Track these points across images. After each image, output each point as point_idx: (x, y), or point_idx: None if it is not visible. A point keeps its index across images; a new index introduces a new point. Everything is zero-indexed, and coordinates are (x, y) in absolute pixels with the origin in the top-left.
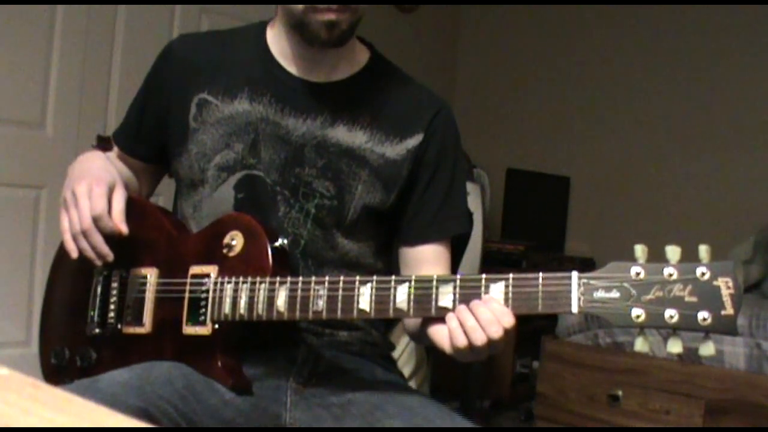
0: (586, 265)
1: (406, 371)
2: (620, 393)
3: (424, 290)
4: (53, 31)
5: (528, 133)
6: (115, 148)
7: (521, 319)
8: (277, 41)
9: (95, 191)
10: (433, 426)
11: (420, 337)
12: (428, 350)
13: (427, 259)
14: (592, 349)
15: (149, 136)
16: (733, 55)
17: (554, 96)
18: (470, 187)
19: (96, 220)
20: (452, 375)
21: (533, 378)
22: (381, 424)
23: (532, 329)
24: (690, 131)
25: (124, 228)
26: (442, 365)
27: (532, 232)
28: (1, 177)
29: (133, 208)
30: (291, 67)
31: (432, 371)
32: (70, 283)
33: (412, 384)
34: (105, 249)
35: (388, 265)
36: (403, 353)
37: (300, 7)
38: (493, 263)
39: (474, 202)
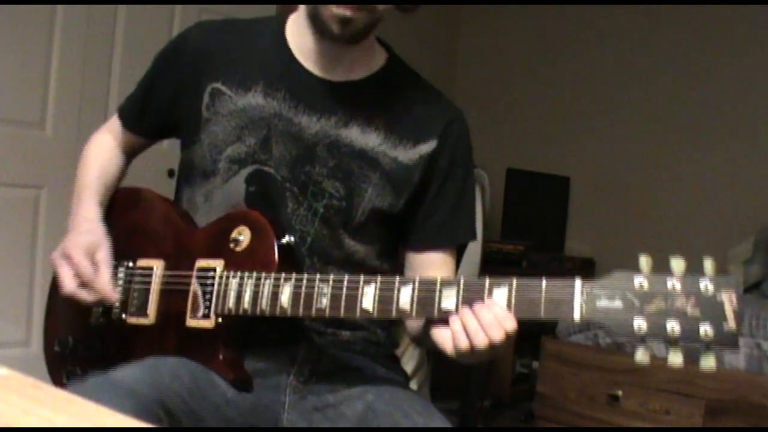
0: (586, 265)
1: (407, 371)
2: (620, 393)
3: (427, 292)
4: (53, 31)
5: (528, 133)
6: (112, 124)
7: (522, 320)
8: (295, 36)
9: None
10: (412, 420)
11: (422, 339)
12: (429, 350)
13: (432, 265)
14: (592, 349)
15: (154, 116)
16: (733, 54)
17: (554, 96)
18: None
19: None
20: (452, 375)
21: (533, 378)
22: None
23: (532, 329)
24: (690, 131)
25: (114, 296)
26: (443, 365)
27: (532, 232)
28: (1, 177)
29: (142, 200)
30: (308, 64)
31: (432, 371)
32: None
33: (413, 384)
34: (113, 293)
35: (394, 267)
36: (404, 353)
37: None
38: (493, 263)
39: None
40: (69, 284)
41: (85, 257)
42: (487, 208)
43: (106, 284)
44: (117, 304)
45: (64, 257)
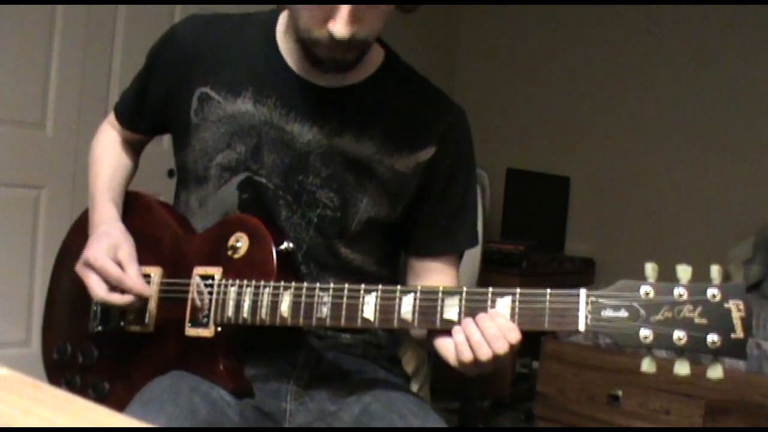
0: (586, 265)
1: (407, 371)
2: (620, 393)
3: (429, 302)
4: (53, 31)
5: (528, 133)
6: (113, 119)
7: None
8: (286, 38)
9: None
10: (407, 421)
11: (423, 345)
12: (429, 351)
13: (435, 270)
14: (592, 349)
15: (148, 115)
16: (732, 55)
17: (554, 96)
18: None
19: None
20: (453, 375)
21: (533, 378)
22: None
23: None
24: (690, 131)
25: (146, 291)
26: (443, 366)
27: (532, 232)
28: (1, 177)
29: (139, 204)
30: (298, 68)
31: (433, 371)
32: (74, 278)
33: (414, 384)
34: (145, 288)
35: (394, 273)
36: (405, 353)
37: (304, 33)
38: (493, 263)
39: None
40: (99, 291)
41: (108, 259)
42: (487, 208)
43: (136, 281)
44: (147, 296)
45: (87, 265)
